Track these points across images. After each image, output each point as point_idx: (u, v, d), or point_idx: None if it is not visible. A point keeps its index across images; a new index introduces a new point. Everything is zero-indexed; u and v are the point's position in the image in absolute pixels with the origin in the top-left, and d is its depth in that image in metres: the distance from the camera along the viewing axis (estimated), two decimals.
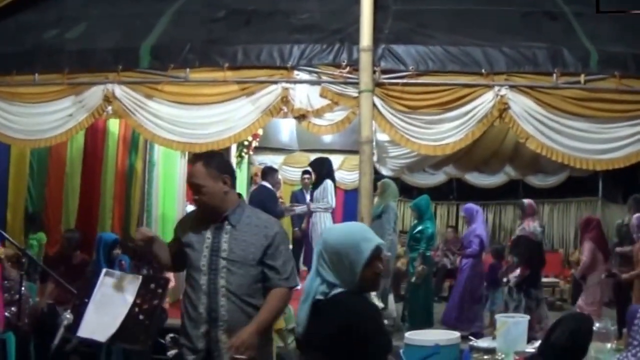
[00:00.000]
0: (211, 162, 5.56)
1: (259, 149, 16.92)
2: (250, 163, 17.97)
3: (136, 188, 14.04)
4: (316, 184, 14.34)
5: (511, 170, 17.18)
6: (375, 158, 9.31)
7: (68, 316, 6.06)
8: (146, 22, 8.88)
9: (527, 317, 8.09)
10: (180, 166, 13.88)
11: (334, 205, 14.28)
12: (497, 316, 8.22)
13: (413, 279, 12.86)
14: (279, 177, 14.62)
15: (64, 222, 12.74)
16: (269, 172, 14.03)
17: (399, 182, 18.85)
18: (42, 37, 8.92)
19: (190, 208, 14.04)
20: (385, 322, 9.93)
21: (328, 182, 14.15)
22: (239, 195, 5.75)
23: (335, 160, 16.71)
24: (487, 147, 14.84)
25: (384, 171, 14.86)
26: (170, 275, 11.70)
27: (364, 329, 4.19)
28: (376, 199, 13.08)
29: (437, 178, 18.13)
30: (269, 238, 5.43)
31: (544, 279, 14.56)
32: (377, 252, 4.28)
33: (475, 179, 18.11)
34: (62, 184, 12.70)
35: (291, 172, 17.44)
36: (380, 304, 9.75)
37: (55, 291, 9.95)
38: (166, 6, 9.06)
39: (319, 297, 4.29)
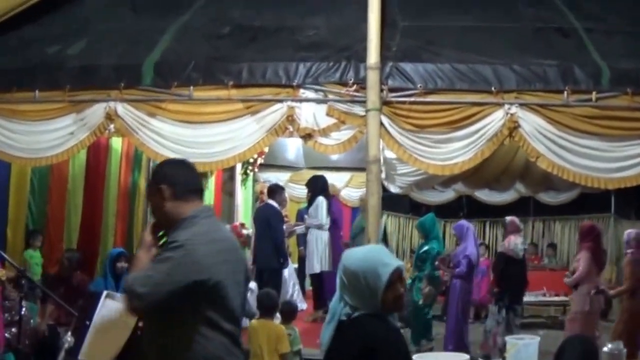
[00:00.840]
0: (154, 170, 5.11)
1: (265, 166, 16.93)
2: (255, 180, 17.98)
3: (139, 206, 14.06)
4: (310, 202, 14.35)
5: (522, 187, 17.16)
6: (383, 175, 9.28)
7: (69, 339, 6.06)
8: (149, 38, 8.86)
9: (537, 339, 8.08)
10: None
11: (325, 222, 14.24)
12: (507, 338, 8.20)
13: (420, 301, 12.84)
14: (286, 195, 14.61)
15: (66, 239, 12.74)
16: (276, 191, 14.04)
17: (407, 200, 18.93)
18: (43, 53, 8.89)
19: None
20: None
21: (320, 199, 14.16)
22: (206, 206, 5.03)
23: (343, 177, 16.76)
24: (497, 163, 14.83)
25: (392, 189, 14.91)
26: None
27: (384, 352, 4.21)
28: (362, 214, 13.21)
29: (446, 195, 18.11)
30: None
31: (555, 298, 14.61)
32: (396, 275, 4.31)
33: (486, 196, 18.09)
34: (64, 201, 12.70)
35: (297, 189, 17.44)
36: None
37: (56, 312, 9.96)
38: (170, 22, 9.04)
39: (343, 318, 4.35)
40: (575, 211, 20.49)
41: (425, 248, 13.13)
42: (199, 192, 4.90)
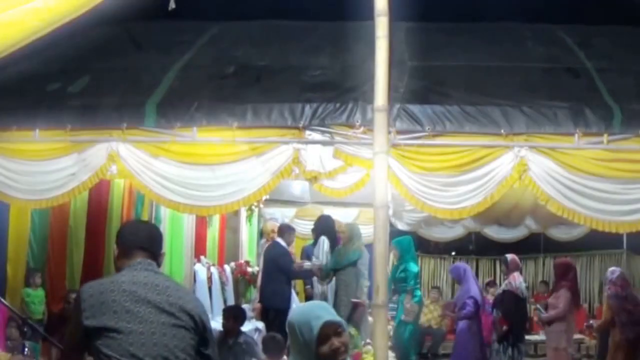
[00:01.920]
0: None
1: (270, 202, 16.85)
2: (260, 216, 17.93)
3: None
4: (315, 242, 14.31)
5: (532, 222, 17.09)
6: (391, 212, 9.23)
7: None
8: (152, 76, 8.85)
9: None
10: (187, 222, 13.82)
11: (325, 262, 14.17)
12: None
13: (403, 317, 12.88)
14: (294, 235, 14.58)
15: (68, 277, 12.69)
16: (286, 231, 14.05)
17: (415, 237, 18.85)
18: (44, 91, 8.85)
19: (199, 267, 14.05)
20: None
21: (322, 239, 14.13)
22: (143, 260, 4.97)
23: (351, 213, 16.69)
24: (507, 199, 14.77)
25: (400, 225, 14.91)
26: None
27: None
28: (344, 246, 13.19)
29: (455, 232, 18.05)
30: None
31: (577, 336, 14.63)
32: (330, 329, 4.36)
33: (495, 232, 18.02)
34: (66, 238, 12.65)
35: (303, 225, 17.34)
36: None
37: (59, 353, 9.94)
38: (172, 60, 9.06)
39: None
40: (588, 247, 20.42)
41: (403, 267, 13.28)
42: (144, 249, 4.95)
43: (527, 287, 14.18)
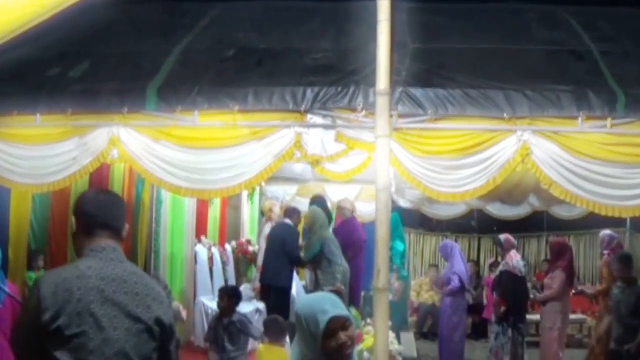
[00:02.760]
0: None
1: (271, 180, 16.84)
2: (262, 194, 17.95)
3: (143, 221, 14.03)
4: None
5: (535, 200, 17.11)
6: (393, 189, 9.24)
7: None
8: (152, 60, 8.84)
9: None
10: (189, 203, 13.87)
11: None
12: None
13: (391, 297, 12.98)
14: (301, 217, 14.63)
15: (70, 258, 12.72)
16: (293, 213, 14.12)
17: (418, 214, 18.88)
18: (44, 75, 8.85)
19: (200, 248, 14.10)
20: None
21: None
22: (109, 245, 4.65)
23: (352, 191, 16.69)
24: (510, 177, 14.75)
25: (402, 203, 14.92)
26: (183, 312, 11.77)
27: None
28: (307, 237, 13.27)
29: (457, 209, 18.07)
30: None
31: (571, 316, 14.63)
32: (336, 324, 4.37)
33: (498, 210, 18.03)
34: (67, 219, 12.67)
35: (304, 203, 17.31)
36: (398, 346, 9.74)
37: None
38: (173, 43, 9.04)
39: None
40: (590, 225, 20.45)
41: (390, 245, 13.26)
42: (111, 229, 4.66)
43: (526, 265, 14.19)
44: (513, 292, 12.96)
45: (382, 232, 7.61)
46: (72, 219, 4.66)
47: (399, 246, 13.32)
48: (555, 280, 12.40)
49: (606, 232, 13.15)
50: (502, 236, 13.64)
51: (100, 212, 4.66)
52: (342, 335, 4.38)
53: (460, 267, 13.97)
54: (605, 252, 12.45)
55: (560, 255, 12.76)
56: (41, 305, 4.21)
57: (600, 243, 12.90)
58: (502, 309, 12.91)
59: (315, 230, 13.46)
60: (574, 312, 16.05)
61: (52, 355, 4.21)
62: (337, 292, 13.08)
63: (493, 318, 13.41)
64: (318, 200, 14.72)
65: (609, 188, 7.96)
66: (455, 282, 13.56)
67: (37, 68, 8.98)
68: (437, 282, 16.21)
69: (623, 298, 10.36)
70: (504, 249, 13.50)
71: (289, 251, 13.60)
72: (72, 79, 8.77)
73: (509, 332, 12.71)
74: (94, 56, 9.13)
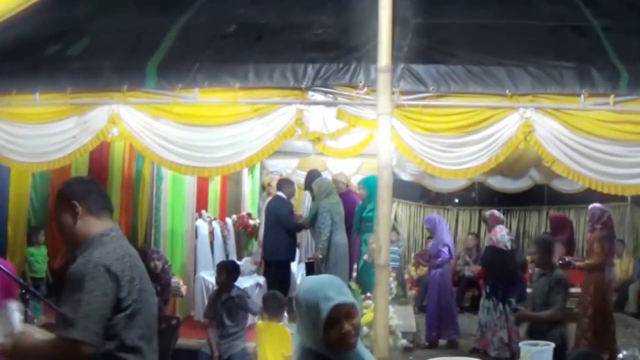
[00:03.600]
0: (63, 187, 5.01)
1: (272, 153, 16.87)
2: (263, 168, 17.94)
3: (143, 196, 14.03)
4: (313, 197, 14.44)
5: (536, 174, 17.07)
6: (394, 162, 9.22)
7: None
8: (152, 37, 8.78)
9: (552, 345, 8.13)
10: (189, 179, 13.85)
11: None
12: (521, 344, 8.25)
13: (365, 257, 12.98)
14: (295, 188, 14.66)
15: None
16: (284, 184, 14.15)
17: (418, 187, 18.87)
18: (43, 54, 8.81)
19: (201, 223, 14.11)
20: (404, 340, 9.93)
21: (304, 194, 14.35)
22: (116, 226, 4.96)
23: (353, 164, 16.70)
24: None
25: (404, 176, 14.91)
26: (183, 288, 11.79)
27: None
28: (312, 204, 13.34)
29: (458, 183, 17.99)
30: (67, 277, 4.58)
31: (571, 290, 14.66)
32: (341, 311, 4.13)
33: (499, 183, 17.98)
34: None
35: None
36: (397, 321, 9.75)
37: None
38: (172, 20, 8.95)
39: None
40: (592, 199, 20.39)
41: (371, 207, 13.26)
42: (110, 211, 4.95)
43: (513, 240, 14.21)
44: (498, 266, 13.03)
45: (384, 210, 7.64)
46: (74, 203, 4.73)
47: None
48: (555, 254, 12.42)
49: (596, 205, 13.08)
50: (488, 212, 13.87)
51: (103, 196, 4.97)
52: (346, 325, 4.13)
53: (448, 239, 14.06)
54: (598, 226, 12.42)
55: (560, 229, 12.81)
56: (120, 282, 4.50)
57: (590, 217, 12.85)
58: (488, 284, 13.03)
59: (319, 198, 13.53)
60: (572, 285, 16.05)
61: (118, 335, 4.48)
62: (314, 261, 13.29)
63: (483, 293, 13.47)
64: (314, 175, 14.74)
65: (612, 166, 7.93)
66: (445, 254, 13.62)
67: (36, 46, 8.94)
68: (423, 256, 16.26)
69: (538, 287, 10.18)
70: (489, 224, 13.58)
71: (285, 222, 13.70)
72: (71, 56, 8.73)
73: (500, 306, 12.76)
74: (92, 33, 9.06)
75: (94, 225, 4.74)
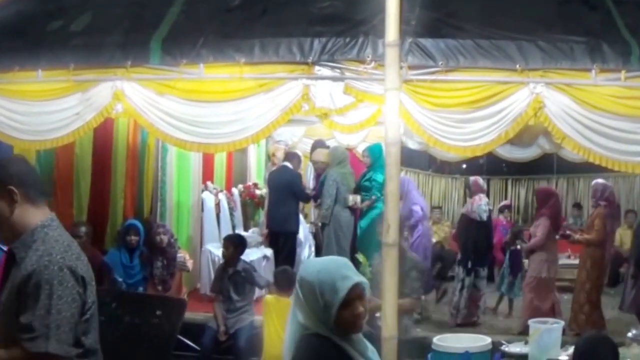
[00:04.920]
0: None
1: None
2: (269, 137, 17.86)
3: (149, 166, 13.98)
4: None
5: (545, 142, 17.00)
6: (401, 130, 9.16)
7: None
8: (155, 11, 8.72)
9: (561, 323, 8.13)
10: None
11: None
12: (530, 322, 8.22)
13: (361, 204, 13.00)
14: (302, 161, 14.60)
15: (76, 205, 12.70)
16: (293, 158, 14.07)
17: (426, 156, 18.78)
18: (45, 30, 8.76)
19: (207, 195, 14.06)
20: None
21: (308, 165, 14.34)
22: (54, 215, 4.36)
23: (360, 133, 16.59)
24: None
25: (411, 144, 14.82)
26: (189, 262, 11.75)
27: None
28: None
29: None
30: (23, 279, 4.02)
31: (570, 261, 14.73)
32: (356, 291, 4.10)
33: (508, 152, 17.91)
34: (72, 165, 12.63)
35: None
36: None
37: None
38: None
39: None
40: (601, 168, 20.21)
41: (369, 176, 13.39)
42: (45, 195, 4.41)
43: (490, 210, 14.18)
44: (469, 236, 13.15)
45: (392, 187, 7.58)
46: (11, 188, 4.15)
47: (379, 177, 13.15)
48: (539, 228, 12.43)
49: (599, 181, 13.09)
50: (472, 178, 13.81)
51: (38, 181, 4.42)
52: (360, 306, 4.11)
53: (418, 199, 14.00)
54: (602, 203, 12.44)
55: (545, 202, 12.78)
56: (85, 283, 4.14)
57: (593, 193, 12.85)
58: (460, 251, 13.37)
59: (330, 166, 13.49)
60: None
61: (79, 340, 4.13)
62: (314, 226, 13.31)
63: (456, 262, 13.59)
64: (318, 145, 14.66)
65: (623, 143, 7.85)
66: (418, 212, 13.52)
67: (38, 22, 8.91)
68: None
69: None
70: (472, 191, 13.56)
71: (297, 192, 13.60)
72: (73, 32, 8.69)
73: (473, 275, 12.85)
74: (95, 8, 9.00)
75: (33, 214, 4.18)
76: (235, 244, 10.52)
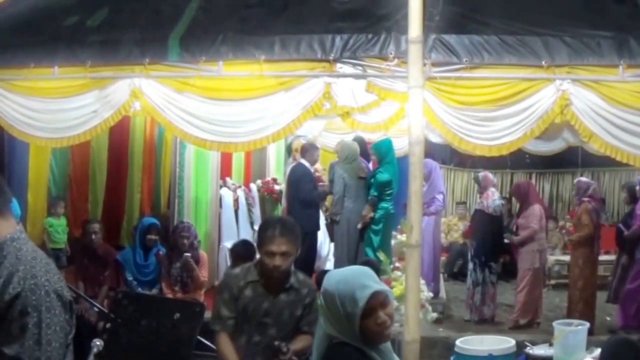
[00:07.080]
0: None
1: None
2: None
3: (166, 159, 14.03)
4: None
5: (570, 135, 16.99)
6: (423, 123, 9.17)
7: (98, 343, 5.96)
8: (174, 7, 8.70)
9: (587, 325, 8.11)
10: None
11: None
12: (555, 324, 8.19)
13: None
14: (319, 153, 14.56)
15: (92, 199, 12.78)
16: (308, 150, 14.02)
17: (449, 149, 18.75)
18: (61, 26, 8.74)
19: (225, 191, 14.08)
20: (434, 314, 9.90)
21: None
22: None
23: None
24: None
25: (432, 138, 14.81)
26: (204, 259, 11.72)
27: None
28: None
29: None
30: (5, 302, 3.71)
31: (605, 257, 14.65)
32: (377, 300, 4.09)
33: (532, 146, 17.83)
34: (88, 160, 12.70)
35: (332, 138, 17.31)
36: (427, 293, 9.72)
37: (82, 284, 10.24)
38: None
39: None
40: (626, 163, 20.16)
41: (374, 173, 13.56)
42: (9, 206, 4.00)
43: (504, 205, 14.31)
44: (485, 231, 13.20)
45: (415, 187, 7.58)
46: None
47: (381, 176, 13.13)
48: (529, 219, 12.59)
49: (582, 179, 13.89)
50: (481, 174, 13.87)
51: (6, 190, 4.03)
52: (382, 314, 4.09)
53: (443, 187, 14.11)
54: (585, 199, 12.59)
55: (526, 195, 13.04)
56: (72, 312, 3.94)
57: (577, 191, 13.13)
58: (473, 245, 13.40)
59: (338, 162, 13.56)
60: (606, 252, 16.01)
61: None
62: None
63: (469, 256, 13.61)
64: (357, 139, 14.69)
65: None
66: (440, 202, 13.58)
67: (53, 18, 8.88)
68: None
69: None
70: (482, 186, 13.60)
71: (303, 191, 13.56)
72: (90, 28, 8.66)
73: (487, 271, 12.89)
74: (112, 3, 8.97)
75: (0, 226, 3.87)
76: (242, 258, 10.12)
